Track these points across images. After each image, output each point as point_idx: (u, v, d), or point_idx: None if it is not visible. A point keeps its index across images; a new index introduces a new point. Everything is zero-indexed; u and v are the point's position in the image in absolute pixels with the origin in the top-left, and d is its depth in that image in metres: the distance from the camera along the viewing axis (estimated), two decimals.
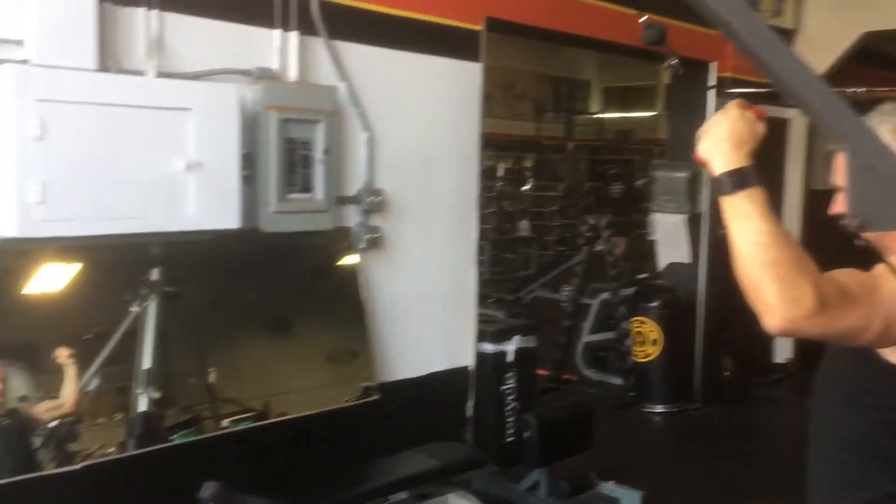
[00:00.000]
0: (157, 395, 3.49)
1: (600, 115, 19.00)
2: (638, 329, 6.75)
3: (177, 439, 3.54)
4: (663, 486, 4.95)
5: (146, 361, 3.49)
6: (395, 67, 4.40)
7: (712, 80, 6.70)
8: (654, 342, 6.66)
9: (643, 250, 8.03)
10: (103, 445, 3.34)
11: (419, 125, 4.55)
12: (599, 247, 7.46)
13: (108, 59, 3.30)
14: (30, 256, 3.24)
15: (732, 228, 1.75)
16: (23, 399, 3.18)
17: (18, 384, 3.18)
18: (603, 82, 18.38)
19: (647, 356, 6.72)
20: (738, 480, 5.31)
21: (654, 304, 6.70)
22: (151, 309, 3.52)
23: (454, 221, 4.77)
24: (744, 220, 1.73)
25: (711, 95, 6.66)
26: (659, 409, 6.77)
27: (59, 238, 3.15)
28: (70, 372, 3.25)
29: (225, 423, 3.69)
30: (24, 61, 3.06)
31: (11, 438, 3.12)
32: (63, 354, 3.24)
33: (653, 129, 17.06)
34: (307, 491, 3.36)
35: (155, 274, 3.55)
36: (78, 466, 3.23)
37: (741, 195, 1.73)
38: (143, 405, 3.45)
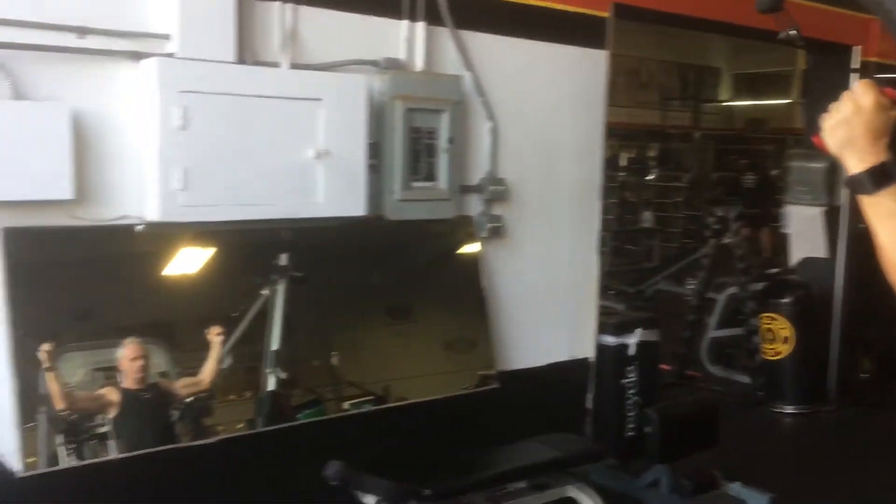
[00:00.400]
0: (284, 375, 3.62)
1: (730, 104, 18.30)
2: (768, 326, 6.48)
3: (301, 418, 3.66)
4: (793, 491, 4.73)
5: (275, 343, 3.63)
6: (519, 56, 4.38)
7: (855, 63, 6.33)
8: (786, 340, 6.37)
9: (775, 244, 7.68)
10: (234, 421, 3.50)
11: (543, 114, 4.52)
12: (728, 239, 7.19)
13: (246, 51, 3.44)
14: (169, 240, 3.41)
15: (877, 228, 1.60)
16: (162, 375, 3.36)
17: (159, 361, 3.37)
18: (733, 69, 17.70)
19: (778, 354, 6.43)
20: (874, 488, 5.02)
21: (787, 300, 6.40)
22: (280, 292, 3.65)
23: (576, 211, 4.72)
24: (890, 219, 1.58)
25: (854, 80, 6.29)
26: (789, 409, 6.47)
27: (198, 223, 3.32)
28: (214, 350, 3.41)
29: (345, 405, 3.80)
30: (170, 55, 3.23)
31: (152, 411, 3.32)
32: (214, 332, 3.40)
33: (786, 118, 16.29)
34: (426, 475, 3.41)
35: (283, 259, 3.69)
36: (214, 440, 3.40)
37: (884, 193, 1.58)
38: (271, 385, 3.60)
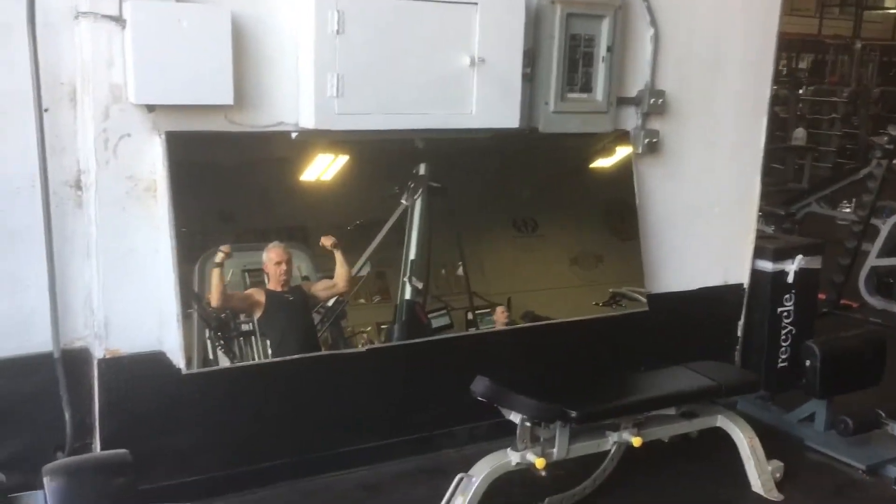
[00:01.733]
0: (420, 284, 3.61)
1: None
2: None
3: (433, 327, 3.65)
4: None
5: (412, 252, 3.62)
6: None
7: None
8: None
9: None
10: (370, 324, 3.54)
11: (708, 22, 4.18)
12: None
13: None
14: (318, 147, 3.40)
15: None
16: (305, 279, 3.41)
17: (302, 265, 3.41)
18: None
19: None
20: None
21: None
22: (418, 203, 3.61)
23: (740, 128, 4.39)
24: None
25: None
26: None
27: (350, 131, 3.27)
28: (338, 256, 3.42)
29: (470, 315, 3.76)
30: None
31: (295, 313, 3.37)
32: (328, 242, 3.41)
33: None
34: (571, 396, 3.33)
35: (422, 169, 3.63)
36: (363, 349, 3.44)
37: None
38: (407, 293, 3.61)
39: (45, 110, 2.96)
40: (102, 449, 3.15)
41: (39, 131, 2.95)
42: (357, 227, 3.52)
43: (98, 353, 3.11)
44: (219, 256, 3.15)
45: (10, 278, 3.03)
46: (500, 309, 3.79)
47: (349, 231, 3.50)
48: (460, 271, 3.76)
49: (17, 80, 2.90)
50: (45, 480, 2.43)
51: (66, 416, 3.12)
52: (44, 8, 2.88)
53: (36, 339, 3.08)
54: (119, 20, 2.89)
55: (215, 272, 3.15)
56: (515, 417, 3.25)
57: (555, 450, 3.31)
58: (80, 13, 2.90)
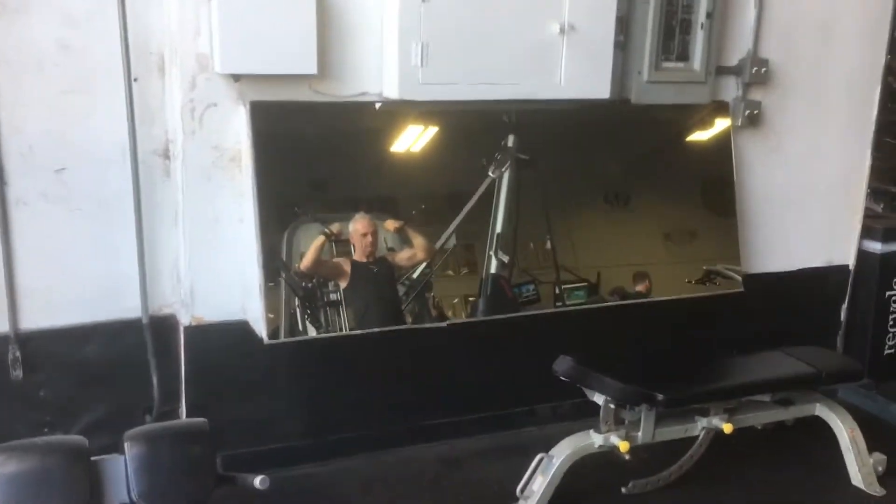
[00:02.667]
0: (506, 258, 3.53)
1: None
2: None
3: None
4: None
5: (499, 226, 3.54)
6: None
7: None
8: None
9: None
10: (454, 297, 3.49)
11: None
12: None
13: None
14: (402, 118, 3.34)
15: None
16: (391, 250, 3.38)
17: (388, 236, 3.38)
18: None
19: None
20: None
21: None
22: (506, 175, 3.53)
23: (850, 99, 4.12)
24: None
25: None
26: None
27: (435, 101, 3.20)
28: (409, 232, 3.37)
29: (557, 290, 3.66)
30: None
31: (381, 285, 3.36)
32: (391, 226, 3.36)
33: None
34: (659, 378, 3.21)
35: (510, 140, 3.54)
36: (444, 325, 3.40)
37: None
38: (493, 267, 3.54)
39: (135, 80, 3.01)
40: (188, 414, 3.22)
41: (129, 101, 3.00)
42: (446, 200, 3.47)
43: (184, 320, 3.17)
44: (334, 227, 3.19)
45: (102, 245, 3.11)
46: None
47: (434, 204, 3.45)
48: (548, 245, 3.67)
49: (107, 51, 2.95)
50: (126, 446, 2.50)
51: (154, 381, 3.20)
52: None
53: (125, 305, 3.16)
54: None
55: (320, 239, 3.17)
56: (599, 399, 3.16)
57: (640, 433, 3.20)
58: None
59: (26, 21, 2.86)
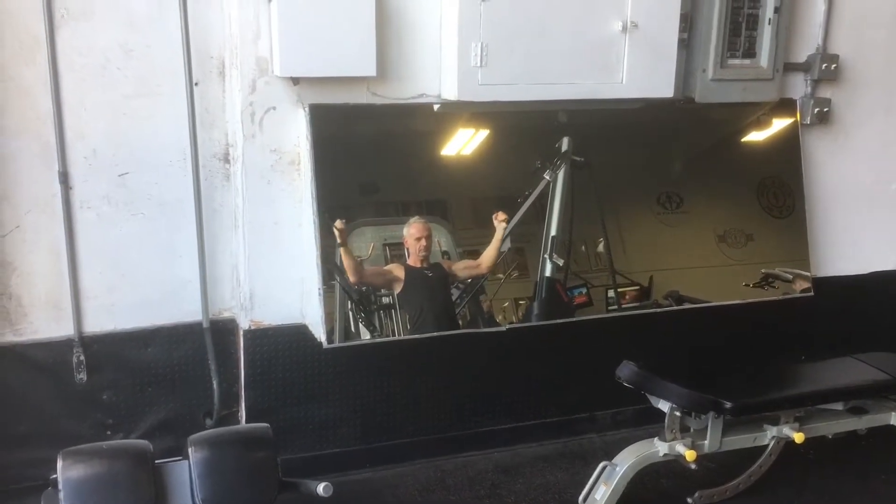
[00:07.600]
0: (560, 261, 3.47)
1: None
2: None
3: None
4: None
5: (553, 229, 3.47)
6: None
7: None
8: None
9: None
10: (509, 301, 3.41)
11: None
12: None
13: None
14: (459, 119, 3.30)
15: None
16: (444, 254, 3.33)
17: (442, 240, 3.34)
18: None
19: None
20: None
21: None
22: (561, 177, 3.46)
23: None
24: None
25: None
26: None
27: (493, 102, 3.15)
28: (498, 236, 3.32)
29: (611, 293, 3.58)
30: None
31: (435, 290, 3.31)
32: (500, 218, 3.31)
33: None
34: (725, 385, 3.11)
35: (566, 143, 3.47)
36: (504, 328, 3.34)
37: None
38: (548, 270, 3.47)
39: (196, 84, 3.02)
40: (247, 417, 3.22)
41: (190, 105, 3.01)
42: (502, 204, 3.40)
43: (244, 324, 3.17)
44: (337, 234, 3.09)
45: (164, 249, 3.13)
46: None
47: (493, 206, 3.37)
48: (601, 248, 3.59)
49: (169, 55, 2.96)
50: (190, 451, 2.49)
51: (214, 384, 3.20)
52: None
53: (185, 309, 3.17)
54: None
55: (342, 251, 3.11)
56: (664, 406, 3.07)
57: (706, 442, 3.10)
58: None
59: (90, 27, 2.89)
